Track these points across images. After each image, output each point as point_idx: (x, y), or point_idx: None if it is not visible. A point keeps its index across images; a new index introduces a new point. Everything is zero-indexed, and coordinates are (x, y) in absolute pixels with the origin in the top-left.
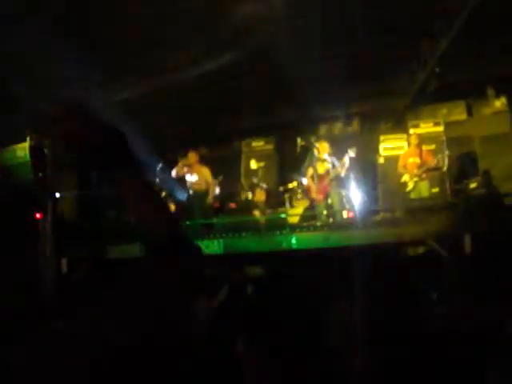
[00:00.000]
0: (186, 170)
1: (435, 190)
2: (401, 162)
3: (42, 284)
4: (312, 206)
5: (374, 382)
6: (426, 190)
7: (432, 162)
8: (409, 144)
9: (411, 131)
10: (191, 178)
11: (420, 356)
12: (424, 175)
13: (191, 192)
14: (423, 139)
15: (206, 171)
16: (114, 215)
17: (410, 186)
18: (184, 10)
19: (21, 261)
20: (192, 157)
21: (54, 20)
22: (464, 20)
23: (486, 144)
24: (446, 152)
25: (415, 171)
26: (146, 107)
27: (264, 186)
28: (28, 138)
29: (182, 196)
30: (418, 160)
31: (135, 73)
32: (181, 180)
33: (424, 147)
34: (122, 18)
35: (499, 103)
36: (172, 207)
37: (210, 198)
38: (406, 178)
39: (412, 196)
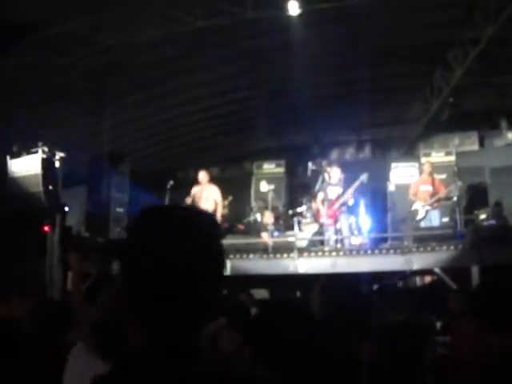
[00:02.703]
0: (196, 188)
1: (445, 219)
2: (412, 190)
3: (49, 295)
4: (321, 231)
5: None
6: (436, 218)
7: (444, 191)
8: (421, 172)
9: (423, 159)
10: (201, 196)
11: None
12: (436, 204)
13: None
14: (434, 168)
15: (215, 191)
16: (122, 230)
17: (422, 214)
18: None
19: (28, 272)
20: (203, 176)
21: None
22: (479, 50)
23: (497, 175)
24: (458, 182)
25: (427, 199)
26: (158, 125)
27: (274, 208)
28: (40, 151)
29: None
30: (430, 188)
31: (148, 92)
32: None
33: (435, 176)
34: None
35: (511, 135)
36: None
37: (218, 217)
38: (417, 205)
39: (422, 225)
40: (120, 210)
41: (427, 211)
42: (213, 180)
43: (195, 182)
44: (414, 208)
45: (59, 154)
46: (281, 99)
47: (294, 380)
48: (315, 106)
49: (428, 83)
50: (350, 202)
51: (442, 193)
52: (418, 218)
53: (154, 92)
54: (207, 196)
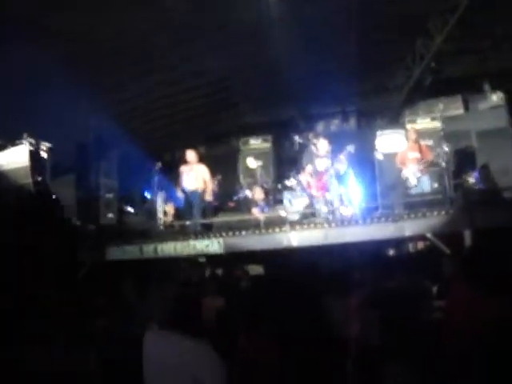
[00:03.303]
0: (184, 168)
1: (436, 184)
2: (400, 158)
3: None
4: (311, 203)
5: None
6: (427, 184)
7: (431, 156)
8: (407, 139)
9: (408, 126)
10: (190, 176)
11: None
12: (424, 170)
13: (190, 191)
14: (421, 134)
15: (204, 170)
16: (113, 217)
17: (412, 181)
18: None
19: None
20: (191, 155)
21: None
22: (458, 16)
23: (483, 139)
24: (445, 147)
25: (416, 166)
26: (143, 108)
27: (263, 183)
28: (26, 142)
29: (180, 195)
30: (417, 155)
31: (133, 75)
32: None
33: (422, 142)
34: (120, 25)
35: (495, 98)
36: (171, 207)
37: (208, 197)
38: (406, 173)
39: (414, 191)
40: (110, 195)
41: (417, 178)
42: (201, 159)
43: (183, 161)
44: (404, 175)
45: (45, 145)
46: (265, 74)
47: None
48: (299, 80)
49: (410, 51)
50: (339, 173)
51: (430, 158)
52: (409, 185)
53: (135, 75)
54: (196, 175)
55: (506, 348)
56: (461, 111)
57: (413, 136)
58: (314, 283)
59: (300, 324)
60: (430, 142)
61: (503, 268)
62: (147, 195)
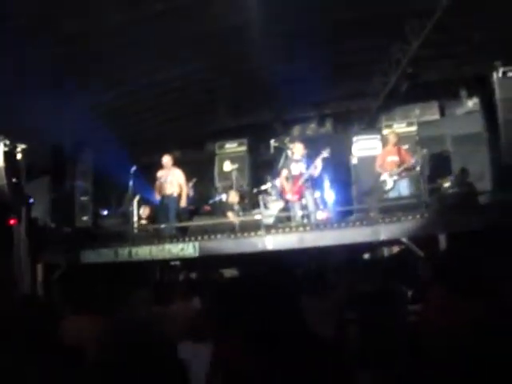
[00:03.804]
0: (160, 173)
1: (413, 188)
2: (378, 161)
3: (18, 289)
4: (287, 207)
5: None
6: (405, 188)
7: (410, 160)
8: (386, 143)
9: (385, 131)
10: (165, 180)
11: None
12: (403, 174)
13: (166, 195)
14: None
15: (179, 174)
16: (88, 220)
17: (390, 184)
18: (158, 14)
19: None
20: (167, 160)
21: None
22: (435, 21)
23: (459, 143)
24: (424, 151)
25: (394, 169)
26: (119, 111)
27: (238, 187)
28: (1, 144)
29: (155, 199)
30: (396, 158)
31: (109, 78)
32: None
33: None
34: (99, 26)
35: (471, 103)
36: (146, 210)
37: (183, 201)
38: (384, 176)
39: (391, 195)
40: (85, 198)
41: (395, 181)
42: (176, 163)
43: (159, 166)
44: (382, 179)
45: (21, 146)
46: (241, 78)
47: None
48: (275, 84)
49: (386, 56)
50: (315, 177)
51: (409, 162)
52: (387, 188)
53: (112, 78)
54: (171, 180)
55: (480, 351)
56: (437, 116)
57: (393, 140)
58: (288, 286)
59: (274, 326)
60: (405, 147)
61: (476, 271)
62: (122, 198)
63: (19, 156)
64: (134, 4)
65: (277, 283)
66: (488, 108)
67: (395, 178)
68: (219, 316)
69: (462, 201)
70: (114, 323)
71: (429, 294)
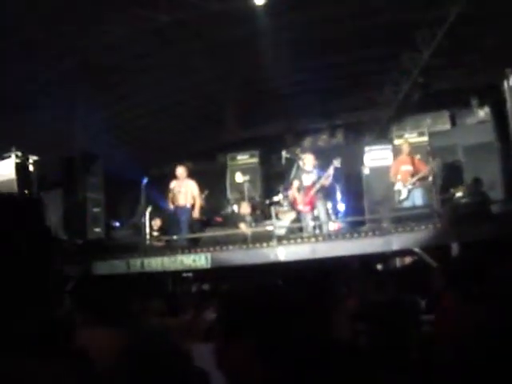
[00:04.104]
0: (173, 183)
1: (427, 198)
2: (392, 171)
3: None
4: (298, 218)
5: None
6: (419, 198)
7: (425, 169)
8: (399, 152)
9: (396, 141)
10: (179, 191)
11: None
12: (417, 183)
13: (179, 206)
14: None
15: (192, 185)
16: (100, 231)
17: (404, 194)
18: (168, 25)
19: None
20: (181, 171)
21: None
22: (446, 30)
23: (470, 153)
24: (436, 160)
25: (408, 179)
26: (130, 123)
27: (250, 199)
28: (13, 155)
29: (169, 209)
30: (410, 168)
31: (120, 90)
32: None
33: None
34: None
35: (483, 113)
36: (158, 222)
37: (196, 212)
38: (398, 186)
39: (405, 204)
40: (97, 209)
41: (409, 191)
42: (188, 174)
43: (172, 177)
44: (396, 188)
45: (33, 158)
46: (252, 90)
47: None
48: (287, 95)
49: (397, 65)
50: (326, 187)
51: (424, 171)
52: (401, 198)
53: (122, 91)
54: (186, 191)
55: (494, 357)
56: (448, 126)
57: (406, 149)
58: (301, 296)
59: (286, 337)
60: (417, 157)
61: (488, 279)
62: (134, 209)
63: (31, 168)
64: (143, 16)
65: (289, 296)
66: (499, 117)
67: (410, 187)
68: (229, 324)
69: (475, 210)
70: (128, 335)
71: (442, 303)
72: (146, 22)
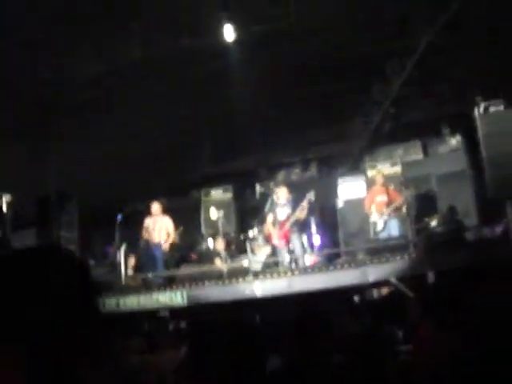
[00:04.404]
0: (148, 220)
1: (402, 228)
2: (367, 202)
3: None
4: (274, 253)
5: None
6: (395, 228)
7: (399, 199)
8: (373, 183)
9: (369, 173)
10: (154, 228)
11: None
12: (393, 213)
13: (154, 243)
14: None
15: (167, 222)
16: None
17: (380, 225)
18: (140, 61)
19: None
20: (156, 207)
21: None
22: (415, 60)
23: (444, 182)
24: (409, 191)
25: (383, 210)
26: (104, 160)
27: (225, 234)
28: None
29: (143, 247)
30: (385, 198)
31: (93, 127)
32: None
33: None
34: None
35: (454, 141)
36: (132, 259)
37: (166, 246)
38: (374, 217)
39: (382, 235)
40: (70, 248)
41: (385, 222)
42: (164, 211)
43: (147, 213)
44: (372, 220)
45: (6, 197)
46: (224, 125)
47: None
48: (259, 130)
49: (368, 97)
50: (300, 221)
51: (399, 201)
52: (378, 229)
53: (96, 127)
54: (160, 227)
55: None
56: (420, 156)
57: (380, 180)
58: (273, 332)
59: (258, 372)
60: (391, 187)
61: (463, 306)
62: (109, 248)
63: (4, 207)
64: (114, 53)
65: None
66: (471, 145)
67: (385, 218)
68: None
69: (449, 238)
70: (102, 374)
71: (418, 332)
72: (119, 58)
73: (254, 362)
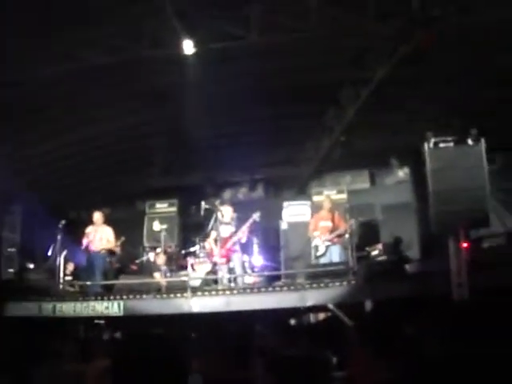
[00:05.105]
0: (89, 229)
1: (344, 255)
2: (311, 226)
3: None
4: (214, 270)
5: None
6: (336, 254)
7: (344, 226)
8: (318, 208)
9: (315, 198)
10: (94, 237)
11: None
12: (336, 239)
13: (93, 252)
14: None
15: (109, 232)
16: (14, 272)
17: (322, 250)
18: (95, 68)
19: None
20: (98, 217)
21: None
22: (371, 90)
23: (388, 212)
24: (352, 220)
25: (326, 235)
26: (48, 165)
27: (167, 248)
28: None
29: (82, 255)
30: (329, 224)
31: (40, 131)
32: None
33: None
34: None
35: (402, 173)
36: (70, 266)
37: (111, 259)
38: (316, 241)
39: (322, 261)
40: (11, 250)
41: (327, 247)
42: (105, 220)
43: (89, 221)
44: (314, 244)
45: None
46: (175, 139)
47: None
48: (209, 146)
49: (320, 123)
50: (243, 240)
51: (342, 228)
52: (318, 254)
53: (48, 130)
54: (101, 237)
55: None
56: (367, 185)
57: (327, 205)
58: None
59: None
60: (336, 214)
61: (396, 335)
62: (49, 252)
63: None
64: (70, 56)
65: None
66: (418, 178)
67: (327, 243)
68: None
69: (389, 269)
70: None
71: (354, 359)
72: (76, 62)
73: (174, 380)
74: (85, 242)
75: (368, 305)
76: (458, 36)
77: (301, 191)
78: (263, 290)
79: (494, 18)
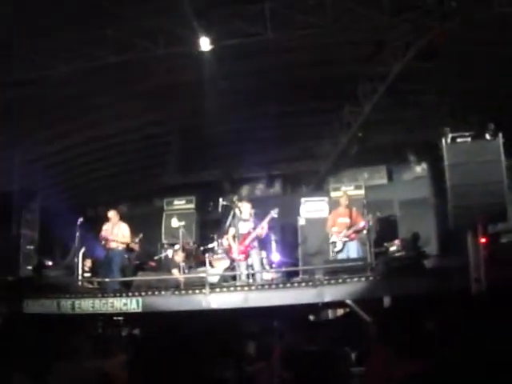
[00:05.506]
0: (106, 226)
1: (362, 250)
2: (329, 223)
3: None
4: (232, 266)
5: None
6: (354, 250)
7: (361, 222)
8: (336, 204)
9: (332, 194)
10: (111, 234)
11: None
12: (353, 235)
13: (110, 248)
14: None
15: (125, 228)
16: (32, 269)
17: (339, 246)
18: (111, 66)
19: None
20: (113, 214)
21: None
22: (387, 85)
23: (406, 208)
24: (370, 215)
25: (344, 231)
26: (68, 162)
27: (185, 244)
28: None
29: (101, 252)
30: (347, 220)
31: (59, 128)
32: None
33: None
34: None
35: (419, 168)
36: (89, 263)
37: (129, 256)
38: (334, 238)
39: (340, 256)
40: (30, 247)
41: (344, 243)
42: (122, 218)
43: (106, 219)
44: (332, 240)
45: None
46: (192, 135)
47: None
48: (226, 143)
49: (337, 118)
50: (262, 237)
51: (360, 224)
52: (336, 249)
53: (65, 128)
54: (117, 233)
55: None
56: (384, 181)
57: (345, 202)
58: (230, 344)
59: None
60: (354, 210)
61: (417, 332)
62: (68, 249)
63: None
64: (87, 55)
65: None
66: (436, 173)
67: (345, 239)
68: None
69: (407, 264)
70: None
71: (373, 355)
72: (93, 61)
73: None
74: (102, 238)
75: (386, 300)
76: (475, 30)
77: (318, 187)
78: (281, 286)
79: (511, 11)
